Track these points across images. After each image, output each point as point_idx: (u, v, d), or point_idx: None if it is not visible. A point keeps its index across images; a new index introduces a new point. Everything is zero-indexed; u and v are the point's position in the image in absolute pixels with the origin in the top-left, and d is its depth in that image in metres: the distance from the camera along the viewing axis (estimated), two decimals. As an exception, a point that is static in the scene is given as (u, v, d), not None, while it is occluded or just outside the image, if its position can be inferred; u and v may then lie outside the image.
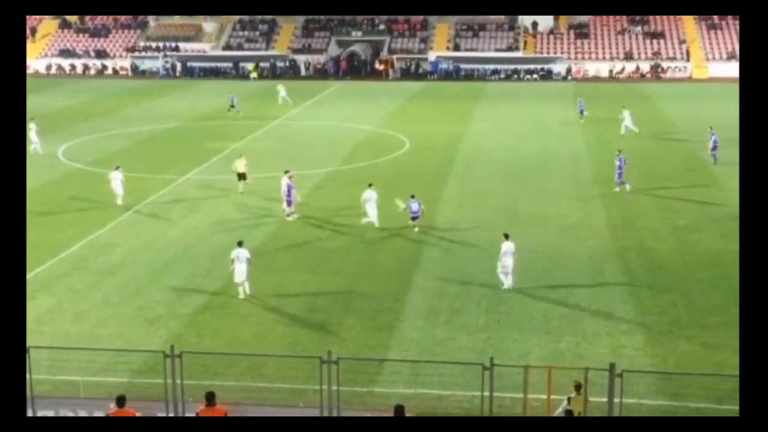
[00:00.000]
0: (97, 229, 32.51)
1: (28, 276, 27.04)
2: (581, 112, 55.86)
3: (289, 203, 33.75)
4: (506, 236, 26.41)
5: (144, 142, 49.61)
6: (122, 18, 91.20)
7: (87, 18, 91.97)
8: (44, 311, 24.64)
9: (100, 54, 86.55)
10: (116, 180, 35.81)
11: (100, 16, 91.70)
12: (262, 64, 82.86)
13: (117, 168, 36.29)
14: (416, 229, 31.98)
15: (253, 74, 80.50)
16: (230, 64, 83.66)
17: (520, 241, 27.05)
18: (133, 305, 25.14)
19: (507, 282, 26.00)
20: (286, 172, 34.54)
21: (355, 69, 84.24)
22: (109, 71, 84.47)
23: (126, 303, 25.33)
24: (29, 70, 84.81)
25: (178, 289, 26.38)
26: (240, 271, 25.39)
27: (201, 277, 27.31)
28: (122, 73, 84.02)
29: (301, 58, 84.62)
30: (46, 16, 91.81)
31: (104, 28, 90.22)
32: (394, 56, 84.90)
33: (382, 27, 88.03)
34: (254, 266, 26.07)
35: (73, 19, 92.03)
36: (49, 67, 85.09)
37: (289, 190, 33.63)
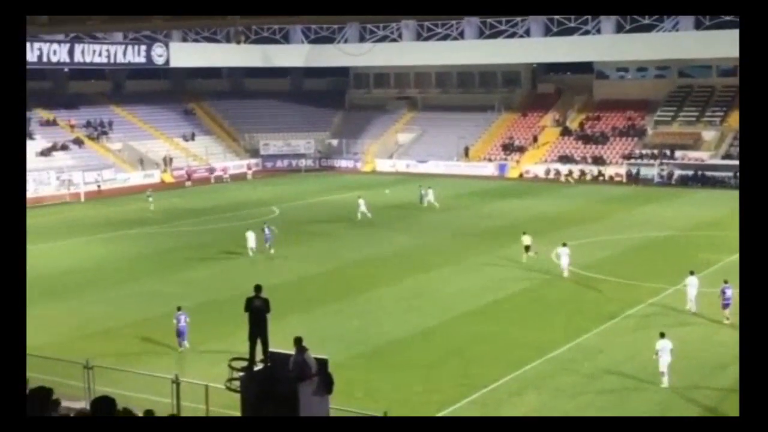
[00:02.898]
0: (583, 333, 33.21)
1: (517, 373, 28.41)
2: None
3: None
4: None
5: (633, 249, 49.72)
6: (621, 125, 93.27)
7: (587, 126, 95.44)
8: (532, 407, 25.66)
9: (597, 160, 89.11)
10: (564, 255, 42.29)
11: (600, 125, 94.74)
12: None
13: (564, 245, 43.10)
14: (727, 321, 33.44)
15: None
16: (729, 173, 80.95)
17: None
18: (621, 410, 25.15)
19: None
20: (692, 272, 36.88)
21: None
22: (605, 177, 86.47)
23: (609, 410, 25.38)
24: (528, 174, 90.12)
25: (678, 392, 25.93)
26: (663, 362, 27.42)
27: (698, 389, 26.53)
28: (617, 179, 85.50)
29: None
30: (549, 125, 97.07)
31: (602, 136, 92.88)
32: None
33: None
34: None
35: (573, 126, 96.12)
36: (547, 172, 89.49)
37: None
